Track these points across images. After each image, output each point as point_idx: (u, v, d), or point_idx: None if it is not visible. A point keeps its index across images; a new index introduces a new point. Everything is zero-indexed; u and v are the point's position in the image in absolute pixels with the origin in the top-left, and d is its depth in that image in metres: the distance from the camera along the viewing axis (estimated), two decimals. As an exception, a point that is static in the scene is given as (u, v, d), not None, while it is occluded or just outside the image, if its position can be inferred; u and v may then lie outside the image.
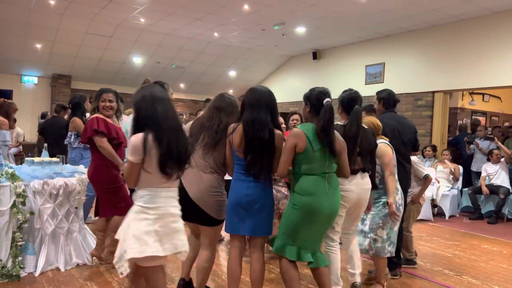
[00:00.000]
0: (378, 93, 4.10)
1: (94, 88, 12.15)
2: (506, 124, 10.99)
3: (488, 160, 7.41)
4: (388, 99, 4.03)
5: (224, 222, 2.99)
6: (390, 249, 3.47)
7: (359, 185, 3.12)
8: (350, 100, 3.12)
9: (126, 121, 4.44)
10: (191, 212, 2.87)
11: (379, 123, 3.53)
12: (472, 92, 10.06)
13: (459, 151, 8.66)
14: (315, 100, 2.79)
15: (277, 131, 2.82)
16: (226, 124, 2.91)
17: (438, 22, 8.18)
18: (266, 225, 2.86)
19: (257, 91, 2.88)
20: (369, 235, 3.47)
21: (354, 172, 3.05)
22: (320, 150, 2.71)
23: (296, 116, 5.29)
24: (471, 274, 4.20)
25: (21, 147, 9.47)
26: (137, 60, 11.28)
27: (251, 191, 2.79)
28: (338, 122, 3.11)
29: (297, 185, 2.78)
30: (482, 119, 10.71)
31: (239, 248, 2.93)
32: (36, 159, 4.17)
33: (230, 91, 11.91)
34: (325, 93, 2.81)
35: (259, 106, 2.78)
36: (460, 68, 7.96)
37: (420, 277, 4.05)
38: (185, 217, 2.92)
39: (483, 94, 10.68)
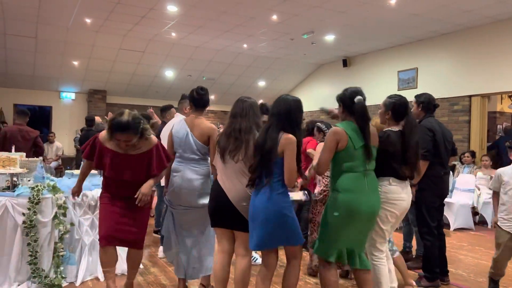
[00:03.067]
0: (417, 96, 3.98)
1: (128, 102, 12.64)
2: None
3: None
4: (428, 103, 3.90)
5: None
6: (394, 249, 3.47)
7: (408, 193, 3.06)
8: (401, 105, 3.07)
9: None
10: (229, 217, 2.89)
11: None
12: (511, 95, 9.67)
13: (499, 156, 8.31)
14: (348, 100, 2.80)
15: (286, 135, 2.70)
16: (244, 128, 2.90)
17: (471, 24, 7.95)
18: (270, 238, 2.70)
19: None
20: None
21: (403, 178, 3.01)
22: (361, 147, 2.73)
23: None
24: (518, 286, 3.99)
25: (60, 161, 9.80)
26: (169, 74, 11.53)
27: (256, 201, 2.74)
28: (391, 128, 3.07)
29: (338, 183, 2.77)
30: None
31: (268, 262, 2.84)
32: (75, 171, 4.31)
33: (260, 101, 11.95)
34: (357, 92, 2.81)
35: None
36: (497, 71, 7.67)
37: (454, 284, 3.89)
38: (222, 223, 2.96)
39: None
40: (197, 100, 3.39)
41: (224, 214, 2.93)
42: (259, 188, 2.73)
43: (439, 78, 8.67)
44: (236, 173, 2.91)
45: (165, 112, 5.33)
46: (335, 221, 2.74)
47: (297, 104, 2.84)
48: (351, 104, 2.76)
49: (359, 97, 2.74)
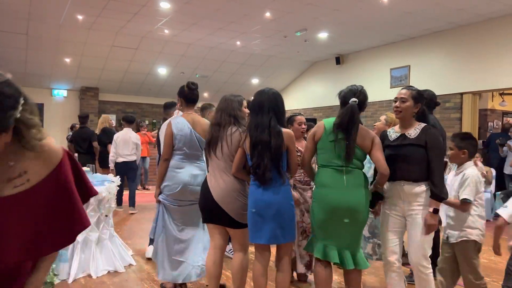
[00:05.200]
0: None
1: (121, 100, 12.60)
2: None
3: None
4: (429, 101, 3.71)
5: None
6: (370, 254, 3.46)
7: None
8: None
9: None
10: (217, 214, 2.90)
11: None
12: (502, 93, 9.76)
13: (489, 153, 8.41)
14: (343, 98, 2.82)
15: (286, 130, 2.81)
16: (222, 122, 2.96)
17: (464, 22, 8.01)
18: (283, 232, 2.76)
19: (261, 94, 2.89)
20: (370, 240, 3.42)
21: None
22: (335, 142, 2.72)
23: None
24: (508, 280, 4.03)
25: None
26: (162, 71, 11.49)
27: (267, 196, 2.75)
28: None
29: (316, 177, 2.84)
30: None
31: (263, 258, 2.87)
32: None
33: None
34: (354, 91, 2.79)
35: (261, 110, 2.81)
36: (489, 68, 7.74)
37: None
38: (213, 219, 2.97)
39: (514, 95, 10.35)
40: (189, 95, 3.42)
41: (212, 212, 2.94)
42: (266, 183, 2.73)
43: (431, 76, 8.73)
44: (220, 170, 2.94)
45: (169, 109, 5.15)
46: (313, 215, 2.80)
47: (280, 95, 2.93)
48: (344, 102, 2.79)
49: (354, 99, 2.72)
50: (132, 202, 7.05)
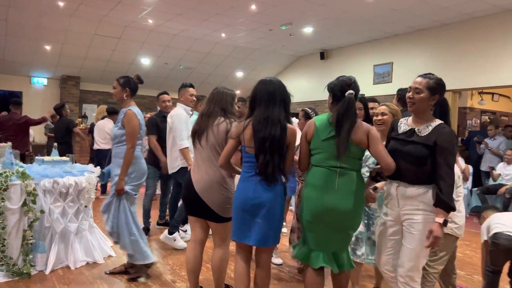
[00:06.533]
0: (399, 90, 4.05)
1: (103, 89, 12.39)
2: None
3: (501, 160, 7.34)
4: (403, 97, 3.95)
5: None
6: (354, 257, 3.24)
7: None
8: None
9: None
10: (198, 208, 2.87)
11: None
12: (481, 92, 9.97)
13: (467, 150, 8.61)
14: (338, 91, 2.53)
15: (290, 126, 2.62)
16: (209, 112, 2.95)
17: (447, 21, 8.12)
18: (273, 234, 2.61)
19: (270, 83, 2.66)
20: (368, 240, 3.16)
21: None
22: (327, 140, 2.49)
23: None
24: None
25: (30, 148, 9.54)
26: (145, 61, 11.35)
27: (259, 193, 2.56)
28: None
29: (306, 177, 2.61)
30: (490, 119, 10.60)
31: (246, 258, 2.73)
32: (46, 158, 4.21)
33: (238, 92, 11.94)
34: (349, 83, 2.53)
35: (273, 101, 2.59)
36: (469, 67, 7.89)
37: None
38: (195, 212, 2.94)
39: (493, 94, 10.58)
40: (135, 88, 3.59)
41: (194, 205, 2.91)
42: (271, 182, 2.56)
43: (413, 73, 8.72)
44: (203, 161, 2.90)
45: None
46: (301, 215, 2.62)
47: (286, 89, 2.73)
48: (340, 96, 2.51)
49: (351, 91, 2.48)
50: (104, 190, 7.42)
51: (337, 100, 2.53)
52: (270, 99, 2.60)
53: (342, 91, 2.50)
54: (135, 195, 3.51)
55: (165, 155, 4.75)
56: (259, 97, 2.63)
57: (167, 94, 5.26)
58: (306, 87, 11.67)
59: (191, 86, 4.68)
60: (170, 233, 4.53)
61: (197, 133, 2.95)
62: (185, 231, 5.05)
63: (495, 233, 3.16)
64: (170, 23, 9.01)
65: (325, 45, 10.65)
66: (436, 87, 2.48)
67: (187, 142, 4.34)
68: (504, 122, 10.69)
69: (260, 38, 10.03)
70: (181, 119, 4.41)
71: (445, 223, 2.31)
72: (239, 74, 12.72)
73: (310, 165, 2.62)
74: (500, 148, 7.59)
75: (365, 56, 10.02)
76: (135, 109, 3.46)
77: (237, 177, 2.82)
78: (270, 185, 2.56)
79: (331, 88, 2.60)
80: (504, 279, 3.29)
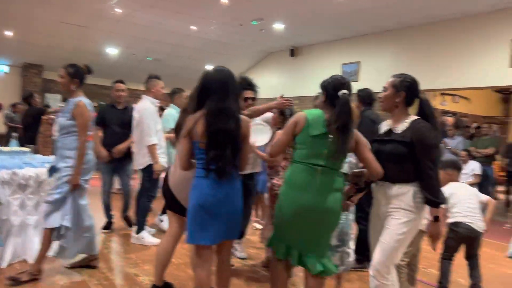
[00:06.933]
0: (358, 91, 4.24)
1: (67, 79, 11.96)
2: (475, 124, 11.36)
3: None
4: (364, 97, 4.23)
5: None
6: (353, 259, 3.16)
7: None
8: (417, 84, 2.67)
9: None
10: (172, 201, 2.88)
11: None
12: (443, 93, 10.35)
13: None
14: (332, 89, 2.48)
15: (244, 118, 2.50)
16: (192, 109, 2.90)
17: (413, 23, 8.36)
18: (234, 230, 2.54)
19: (221, 72, 2.51)
20: (339, 249, 3.05)
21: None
22: (317, 138, 2.42)
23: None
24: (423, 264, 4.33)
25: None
26: (113, 51, 11.08)
27: (215, 190, 2.42)
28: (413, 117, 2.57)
29: (287, 173, 2.52)
30: (450, 120, 11.02)
31: (207, 259, 2.55)
32: (4, 148, 4.07)
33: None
34: (343, 82, 2.49)
35: (226, 92, 2.44)
36: (432, 69, 8.17)
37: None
38: (170, 206, 2.95)
39: (454, 95, 11.01)
40: (84, 78, 3.57)
41: (168, 199, 2.92)
42: (223, 178, 2.42)
43: (380, 73, 9.06)
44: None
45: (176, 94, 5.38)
46: (281, 214, 2.52)
47: (236, 79, 2.60)
48: (333, 94, 2.46)
49: (345, 91, 2.44)
50: None
51: (330, 99, 2.49)
52: (223, 89, 2.44)
53: (336, 90, 2.46)
54: (86, 185, 3.43)
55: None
56: (212, 87, 2.46)
57: (123, 83, 5.09)
58: (276, 83, 11.74)
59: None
60: (137, 232, 4.50)
61: (178, 129, 2.85)
62: (162, 221, 5.11)
63: (456, 222, 3.41)
64: (139, 13, 8.82)
65: (295, 42, 10.73)
66: (400, 84, 2.53)
67: (156, 139, 4.30)
68: (464, 123, 11.14)
69: (231, 32, 10.00)
70: (150, 114, 4.34)
71: (436, 219, 2.42)
72: (209, 68, 12.60)
73: (293, 161, 2.52)
74: (458, 147, 7.90)
75: (334, 55, 10.17)
76: (85, 100, 3.38)
77: None
78: (225, 181, 2.42)
79: (325, 86, 2.56)
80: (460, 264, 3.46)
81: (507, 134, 12.41)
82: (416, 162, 2.39)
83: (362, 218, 3.93)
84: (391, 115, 2.59)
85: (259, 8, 7.98)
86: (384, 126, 2.64)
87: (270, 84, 11.91)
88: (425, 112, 2.54)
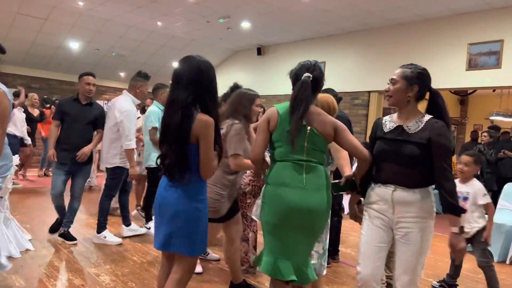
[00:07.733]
0: (323, 90, 4.28)
1: (25, 73, 11.53)
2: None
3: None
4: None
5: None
6: (325, 264, 2.88)
7: None
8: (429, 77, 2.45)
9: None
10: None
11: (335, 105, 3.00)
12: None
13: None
14: (295, 75, 2.33)
15: (202, 116, 2.11)
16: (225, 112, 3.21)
17: (375, 25, 8.59)
18: (182, 241, 2.14)
19: (183, 61, 2.24)
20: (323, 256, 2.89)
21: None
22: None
23: None
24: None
25: None
26: (74, 46, 10.73)
27: (167, 191, 2.18)
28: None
29: (268, 174, 2.32)
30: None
31: (163, 265, 2.35)
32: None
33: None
34: (308, 67, 2.31)
35: (179, 82, 2.17)
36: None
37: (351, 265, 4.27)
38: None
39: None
40: None
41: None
42: (172, 178, 2.17)
43: (344, 73, 9.26)
44: None
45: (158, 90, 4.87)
46: (263, 219, 2.30)
47: (211, 67, 2.29)
48: (296, 80, 2.30)
49: (308, 74, 2.26)
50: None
51: (293, 86, 2.34)
52: (176, 79, 2.19)
53: (298, 75, 2.30)
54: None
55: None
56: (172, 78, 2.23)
57: (93, 76, 4.46)
58: (242, 82, 11.60)
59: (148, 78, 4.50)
60: (98, 232, 4.40)
61: None
62: (149, 228, 4.84)
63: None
64: (102, 7, 8.59)
65: (262, 41, 10.78)
66: (414, 76, 2.28)
67: (134, 143, 4.25)
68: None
69: (197, 29, 9.91)
70: (132, 117, 4.27)
71: (461, 231, 2.11)
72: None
73: (273, 160, 2.33)
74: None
75: (300, 54, 10.29)
76: (3, 87, 2.87)
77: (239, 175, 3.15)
78: (176, 183, 2.15)
79: (290, 73, 2.39)
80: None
81: (464, 134, 13.00)
82: (429, 165, 2.14)
83: (332, 214, 3.99)
84: (398, 110, 2.31)
85: (226, 6, 7.96)
86: (388, 123, 2.33)
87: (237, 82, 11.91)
88: (440, 107, 2.27)
